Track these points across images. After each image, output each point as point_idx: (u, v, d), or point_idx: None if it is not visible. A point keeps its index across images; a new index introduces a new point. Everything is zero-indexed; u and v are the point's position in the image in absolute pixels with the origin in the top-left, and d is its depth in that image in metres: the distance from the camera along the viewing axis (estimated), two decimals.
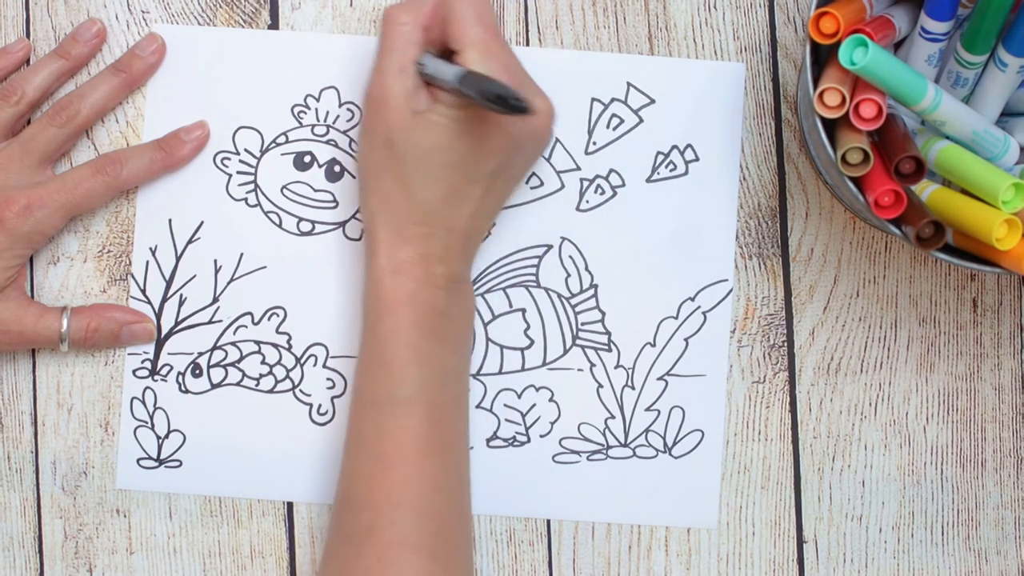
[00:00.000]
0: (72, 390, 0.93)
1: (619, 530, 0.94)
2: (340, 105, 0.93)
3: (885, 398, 0.94)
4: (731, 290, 0.93)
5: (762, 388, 0.93)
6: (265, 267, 0.93)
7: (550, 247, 0.93)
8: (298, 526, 0.93)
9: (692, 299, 0.93)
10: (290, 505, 0.93)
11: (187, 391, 0.93)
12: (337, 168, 0.93)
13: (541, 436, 0.93)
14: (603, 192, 0.93)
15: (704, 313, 0.93)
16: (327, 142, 0.93)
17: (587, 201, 0.93)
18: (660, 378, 0.93)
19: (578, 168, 0.93)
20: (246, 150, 0.93)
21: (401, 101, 0.84)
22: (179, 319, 0.93)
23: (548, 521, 0.93)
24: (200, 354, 0.93)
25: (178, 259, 0.93)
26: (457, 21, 0.84)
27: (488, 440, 0.93)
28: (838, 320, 0.94)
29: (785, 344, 0.94)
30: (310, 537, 0.93)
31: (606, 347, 0.93)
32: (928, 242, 0.79)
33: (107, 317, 0.92)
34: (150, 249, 0.93)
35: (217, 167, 0.93)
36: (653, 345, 0.93)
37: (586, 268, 0.93)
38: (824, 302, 0.94)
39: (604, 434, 0.93)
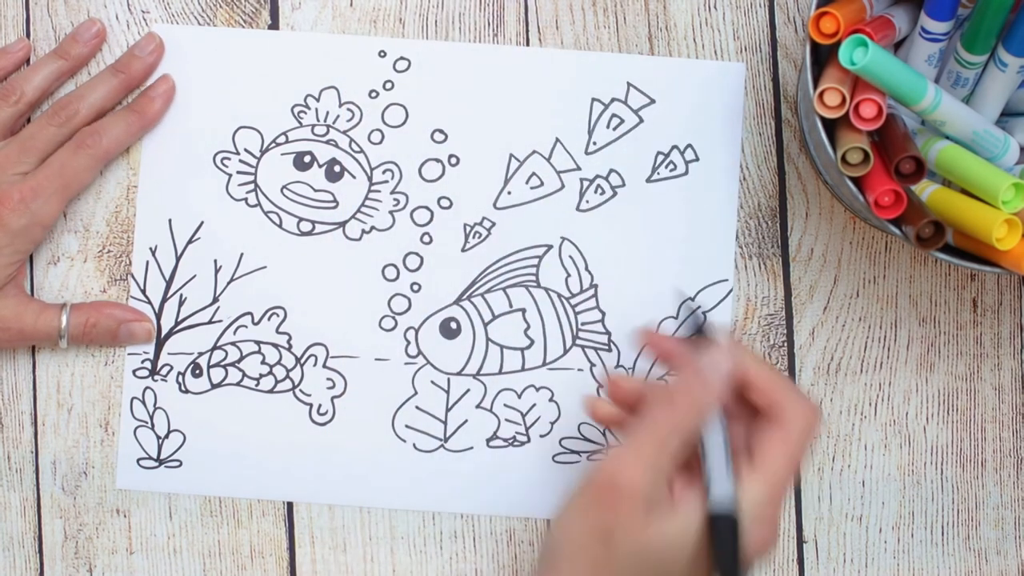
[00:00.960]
0: (72, 390, 0.93)
1: None
2: (340, 105, 0.93)
3: (885, 398, 0.94)
4: (731, 290, 0.93)
5: None
6: (265, 267, 0.93)
7: (550, 247, 0.93)
8: (298, 526, 0.93)
9: (692, 299, 0.93)
10: (290, 505, 0.93)
11: (187, 391, 0.93)
12: (337, 168, 0.93)
13: (541, 436, 0.93)
14: (603, 192, 0.93)
15: (704, 313, 0.93)
16: (327, 142, 0.93)
17: (587, 201, 0.93)
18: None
19: (578, 168, 0.93)
20: (246, 150, 0.93)
21: (639, 496, 0.73)
22: (179, 319, 0.93)
23: (548, 521, 0.93)
24: (200, 354, 0.93)
25: (178, 259, 0.93)
26: (769, 438, 0.75)
27: (488, 440, 0.93)
28: (838, 320, 0.94)
29: (785, 344, 0.94)
30: (310, 537, 0.93)
31: (606, 347, 0.93)
32: (928, 242, 0.79)
33: (106, 314, 0.92)
34: (150, 249, 0.93)
35: (217, 167, 0.93)
36: None
37: (586, 268, 0.93)
38: (824, 302, 0.94)
39: (604, 434, 0.93)
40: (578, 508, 0.75)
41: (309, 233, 0.93)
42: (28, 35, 0.93)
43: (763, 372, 0.78)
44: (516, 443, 0.93)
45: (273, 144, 0.93)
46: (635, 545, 0.73)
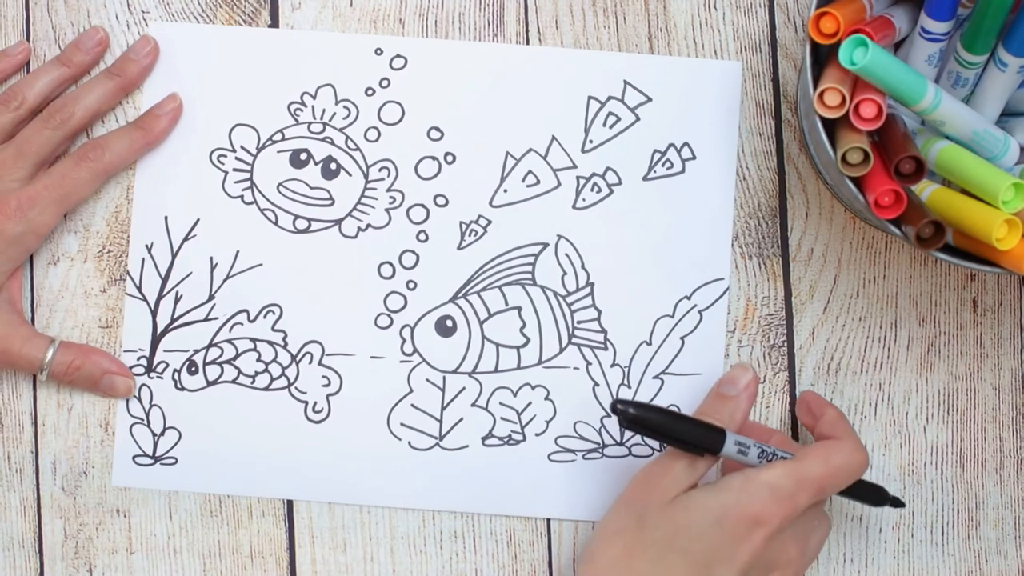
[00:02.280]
0: (72, 390, 0.93)
1: None
2: (336, 103, 0.93)
3: (885, 398, 0.94)
4: (727, 289, 0.93)
5: (762, 388, 0.93)
6: (261, 264, 0.93)
7: (546, 245, 0.93)
8: (298, 526, 0.93)
9: (688, 298, 0.93)
10: (290, 505, 0.93)
11: (183, 388, 0.93)
12: (333, 166, 0.93)
13: (537, 435, 0.93)
14: (599, 190, 0.93)
15: (700, 312, 0.93)
16: (323, 140, 0.93)
17: (583, 199, 0.93)
18: (656, 377, 0.93)
19: (574, 166, 0.93)
20: (242, 147, 0.93)
21: (668, 488, 0.82)
22: (175, 316, 0.93)
23: (548, 521, 0.93)
24: (196, 351, 0.93)
25: (174, 256, 0.93)
26: (812, 447, 0.84)
27: (483, 438, 0.93)
28: (838, 320, 0.94)
29: (785, 344, 0.93)
30: (310, 537, 0.93)
31: (602, 345, 0.93)
32: (928, 242, 0.79)
33: (92, 360, 0.92)
34: (146, 247, 0.93)
35: (213, 164, 0.93)
36: (649, 344, 0.93)
37: (582, 266, 0.93)
38: (824, 302, 0.94)
39: (600, 432, 0.93)
40: (623, 500, 0.84)
41: (305, 231, 0.93)
42: (28, 35, 0.93)
43: (836, 412, 0.90)
44: (511, 441, 0.93)
45: (269, 142, 0.93)
46: (660, 519, 0.81)
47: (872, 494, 0.88)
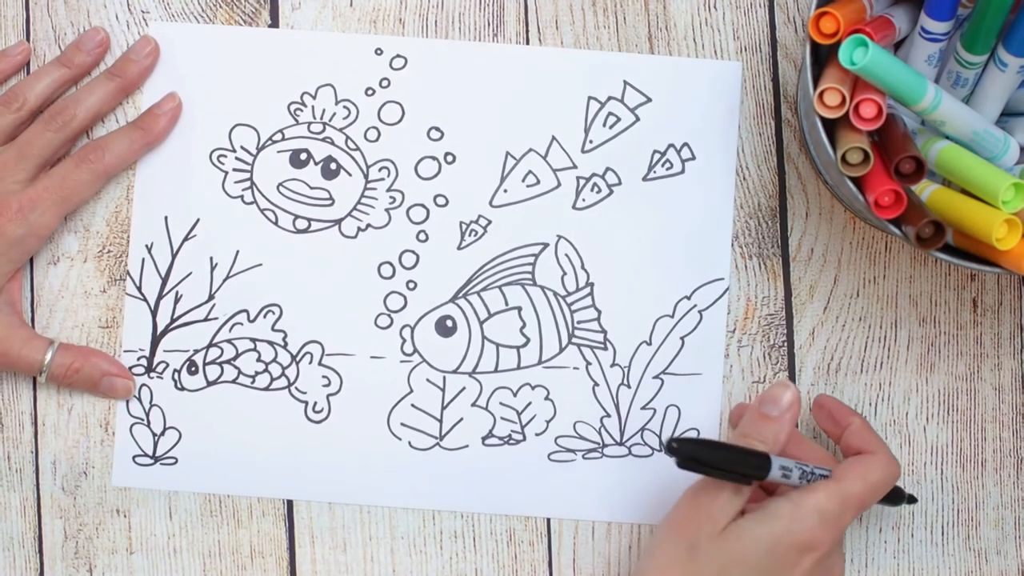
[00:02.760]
0: (72, 390, 0.93)
1: (619, 530, 0.93)
2: (336, 103, 0.93)
3: (885, 398, 0.94)
4: (727, 288, 0.93)
5: (762, 388, 0.93)
6: (261, 264, 0.93)
7: (546, 245, 0.93)
8: (298, 526, 0.93)
9: (688, 298, 0.93)
10: (290, 505, 0.93)
11: (183, 388, 0.93)
12: (333, 166, 0.93)
13: (536, 434, 0.93)
14: (599, 190, 0.93)
15: (700, 312, 0.93)
16: (323, 140, 0.93)
17: (583, 199, 0.93)
18: (656, 376, 0.93)
19: (574, 166, 0.93)
20: (242, 147, 0.93)
21: (718, 518, 0.82)
22: (175, 316, 0.93)
23: (548, 521, 0.93)
24: (196, 351, 0.93)
25: (174, 256, 0.93)
26: (851, 464, 0.85)
27: (483, 438, 0.93)
28: (838, 320, 0.94)
29: (785, 344, 0.93)
30: (310, 537, 0.93)
31: (602, 345, 0.93)
32: (928, 242, 0.79)
33: (91, 362, 0.92)
34: (146, 246, 0.93)
35: (213, 164, 0.93)
36: (649, 344, 0.93)
37: (582, 266, 0.93)
38: (824, 302, 0.94)
39: (600, 432, 0.93)
40: (671, 524, 0.85)
41: (305, 231, 0.93)
42: (28, 35, 0.93)
43: (862, 422, 0.88)
44: (511, 441, 0.93)
45: (269, 142, 0.93)
46: (714, 551, 0.82)
47: (890, 495, 0.88)
